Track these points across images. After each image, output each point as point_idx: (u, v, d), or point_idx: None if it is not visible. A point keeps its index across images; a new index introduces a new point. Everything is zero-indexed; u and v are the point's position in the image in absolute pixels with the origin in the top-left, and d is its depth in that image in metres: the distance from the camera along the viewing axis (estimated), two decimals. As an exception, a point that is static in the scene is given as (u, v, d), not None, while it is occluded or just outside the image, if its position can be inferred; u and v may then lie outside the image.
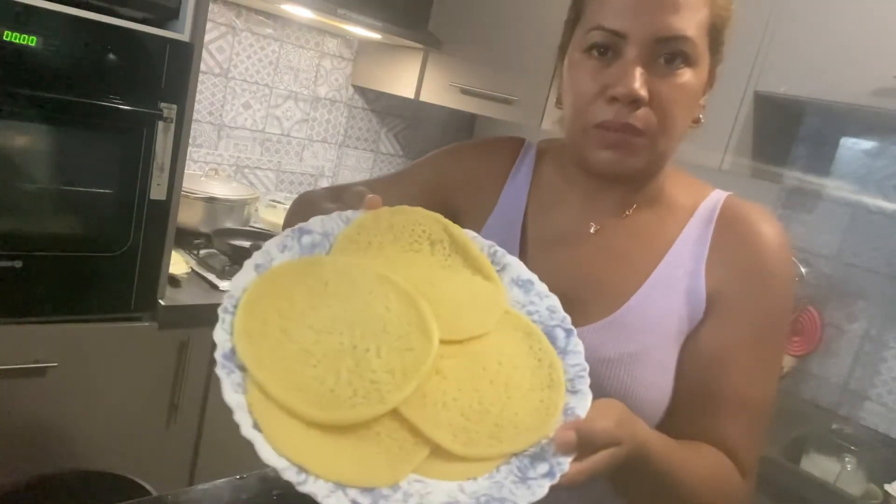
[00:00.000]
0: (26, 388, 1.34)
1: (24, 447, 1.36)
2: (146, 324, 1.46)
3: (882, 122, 1.68)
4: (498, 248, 0.66)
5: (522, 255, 0.78)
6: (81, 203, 1.33)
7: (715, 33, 0.69)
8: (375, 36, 2.00)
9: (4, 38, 1.16)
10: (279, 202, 2.12)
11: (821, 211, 1.82)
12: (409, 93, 2.15)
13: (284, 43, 2.12)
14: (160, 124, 1.36)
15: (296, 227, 0.58)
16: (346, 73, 2.29)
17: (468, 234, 0.65)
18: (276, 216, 2.06)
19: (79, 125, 1.29)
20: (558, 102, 0.76)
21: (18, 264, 1.28)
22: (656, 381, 0.71)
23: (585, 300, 0.73)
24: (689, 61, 0.67)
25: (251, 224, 2.00)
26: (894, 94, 1.37)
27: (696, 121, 0.73)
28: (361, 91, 2.34)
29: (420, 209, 0.64)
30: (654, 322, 0.72)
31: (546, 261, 0.76)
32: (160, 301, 1.47)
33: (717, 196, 0.77)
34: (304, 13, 1.85)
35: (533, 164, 0.84)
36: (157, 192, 1.40)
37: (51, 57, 1.21)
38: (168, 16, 1.37)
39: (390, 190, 0.79)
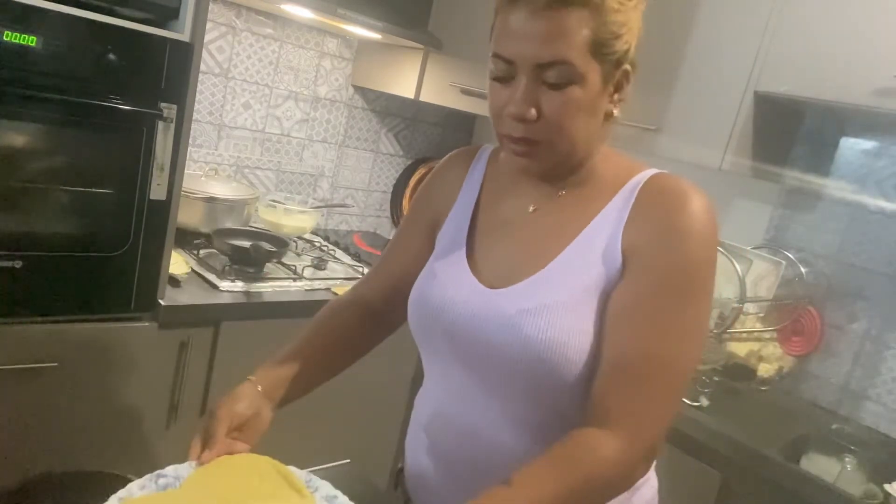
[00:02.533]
0: (26, 388, 1.34)
1: (25, 447, 1.36)
2: (146, 324, 1.46)
3: (882, 122, 1.68)
4: (313, 476, 0.79)
5: (470, 238, 0.90)
6: (81, 203, 1.33)
7: (600, 47, 0.75)
8: (375, 36, 2.00)
9: (4, 38, 1.16)
10: (279, 202, 2.12)
11: (820, 211, 1.82)
12: (409, 93, 2.15)
13: (284, 43, 2.12)
14: (160, 124, 1.36)
15: (154, 472, 0.74)
16: (346, 73, 2.29)
17: (291, 468, 0.79)
18: (275, 216, 2.06)
19: (79, 125, 1.29)
20: None
21: (18, 264, 1.28)
22: (573, 326, 0.77)
23: (516, 266, 0.84)
24: (573, 79, 0.74)
25: (251, 224, 2.00)
26: (894, 94, 1.37)
27: (609, 115, 0.81)
28: (361, 91, 2.34)
29: (254, 455, 0.81)
30: (571, 279, 0.80)
31: (490, 239, 0.89)
32: (160, 301, 1.47)
33: (647, 173, 0.83)
34: (304, 13, 1.85)
35: (486, 163, 0.96)
36: (157, 192, 1.40)
37: (51, 57, 1.21)
38: (168, 16, 1.37)
39: (399, 256, 1.01)
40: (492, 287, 0.84)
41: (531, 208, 0.87)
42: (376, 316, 1.04)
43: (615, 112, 0.81)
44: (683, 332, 0.76)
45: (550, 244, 0.83)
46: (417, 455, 0.95)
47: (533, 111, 0.75)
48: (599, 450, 0.72)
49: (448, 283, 0.88)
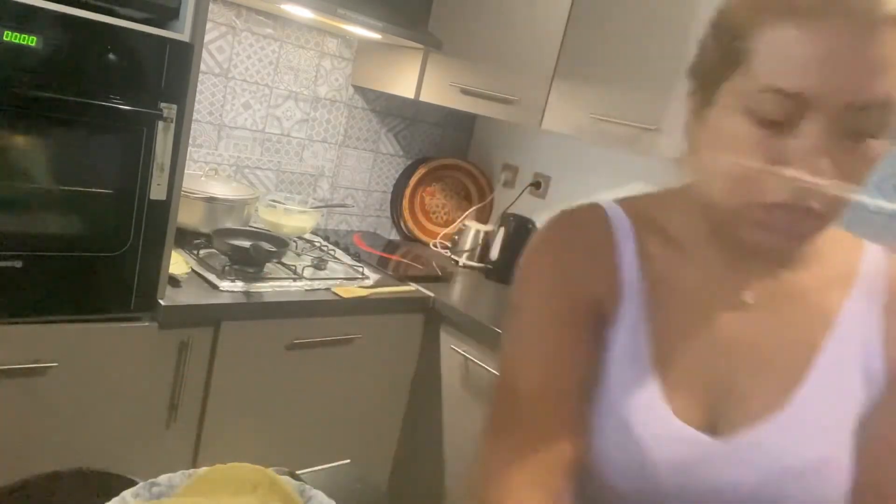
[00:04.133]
0: (26, 388, 1.34)
1: (24, 447, 1.36)
2: (146, 324, 1.46)
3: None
4: (307, 486, 0.76)
5: (658, 351, 0.64)
6: (81, 203, 1.33)
7: None
8: (375, 36, 2.00)
9: (4, 38, 1.16)
10: (279, 202, 2.12)
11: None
12: (409, 93, 2.15)
13: (284, 43, 2.12)
14: (160, 124, 1.36)
15: (148, 481, 0.72)
16: (346, 73, 2.29)
17: (284, 478, 0.77)
18: (275, 216, 2.06)
19: (79, 125, 1.29)
20: (686, 150, 0.64)
21: (18, 264, 1.28)
22: (844, 483, 0.60)
23: (746, 388, 0.63)
24: (884, 129, 0.53)
25: (251, 224, 2.00)
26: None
27: None
28: (361, 91, 2.34)
29: (247, 465, 0.76)
30: (836, 413, 0.61)
31: (691, 350, 0.64)
32: (160, 301, 1.47)
33: (877, 253, 0.68)
34: (304, 13, 1.85)
35: (631, 233, 0.69)
36: (157, 192, 1.40)
37: (51, 57, 1.21)
38: (168, 16, 1.37)
39: (544, 376, 0.65)
40: (714, 431, 0.62)
41: (748, 297, 0.65)
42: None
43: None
44: None
45: (790, 357, 0.63)
46: None
47: (830, 171, 0.53)
48: None
49: (647, 438, 0.62)
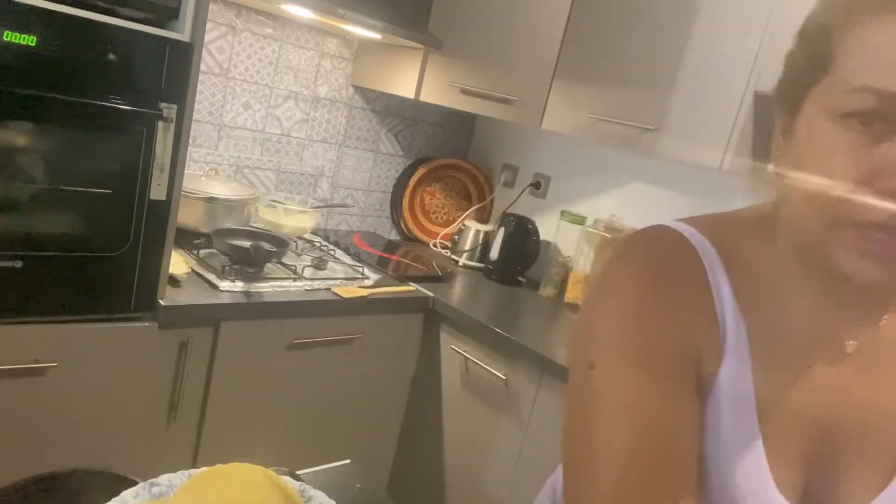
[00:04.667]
0: (26, 388, 1.34)
1: (24, 447, 1.36)
2: (146, 324, 1.46)
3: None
4: (307, 486, 0.77)
5: (760, 405, 0.56)
6: (81, 203, 1.33)
7: None
8: (375, 36, 2.00)
9: (4, 38, 1.16)
10: (279, 202, 2.12)
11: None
12: (409, 93, 2.15)
13: (284, 43, 2.12)
14: (160, 124, 1.36)
15: (148, 481, 0.73)
16: (346, 73, 2.29)
17: (284, 478, 0.77)
18: (275, 216, 2.06)
19: (79, 125, 1.29)
20: (773, 168, 0.57)
21: (18, 264, 1.28)
22: None
23: (852, 453, 0.56)
24: None
25: (251, 224, 2.00)
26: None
27: None
28: (361, 91, 2.34)
29: (247, 465, 0.77)
30: None
31: (791, 406, 0.57)
32: (160, 301, 1.47)
33: None
34: (304, 13, 1.85)
35: (721, 265, 0.59)
36: (157, 192, 1.40)
37: (51, 57, 1.21)
38: (168, 16, 1.37)
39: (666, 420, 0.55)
40: (815, 501, 0.56)
41: (850, 346, 0.57)
42: None
43: None
44: None
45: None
46: None
47: None
48: None
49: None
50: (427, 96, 2.13)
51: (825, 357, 0.57)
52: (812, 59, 0.52)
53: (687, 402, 0.55)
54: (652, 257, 0.60)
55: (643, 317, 0.57)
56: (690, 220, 0.63)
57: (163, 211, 1.42)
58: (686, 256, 0.59)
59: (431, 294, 1.95)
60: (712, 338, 0.57)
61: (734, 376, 0.56)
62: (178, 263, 1.60)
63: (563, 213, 2.26)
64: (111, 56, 1.27)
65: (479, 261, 2.40)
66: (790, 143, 0.55)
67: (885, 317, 0.57)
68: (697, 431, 0.56)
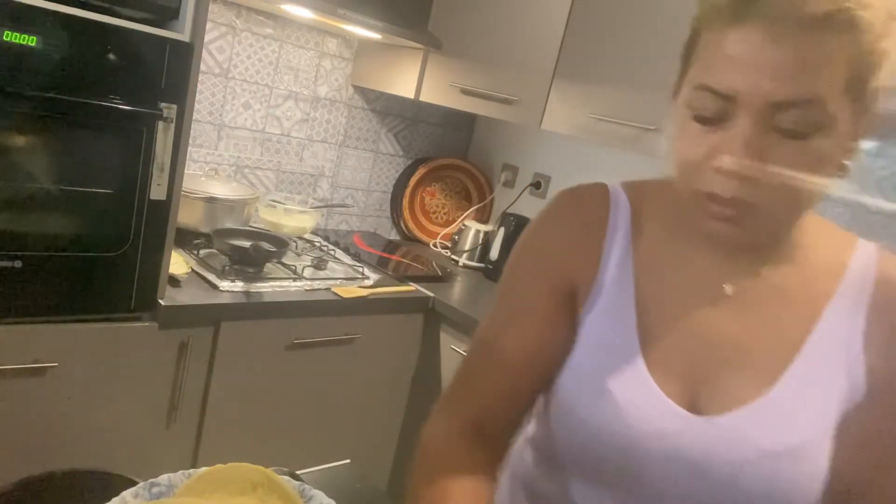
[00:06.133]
0: (26, 388, 1.34)
1: (24, 447, 1.36)
2: (146, 324, 1.46)
3: (882, 122, 1.68)
4: (306, 485, 0.75)
5: (643, 330, 0.68)
6: (81, 203, 1.33)
7: (857, 83, 0.56)
8: (375, 36, 2.00)
9: (4, 38, 1.16)
10: (279, 202, 2.12)
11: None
12: (409, 93, 2.15)
13: (284, 43, 2.12)
14: (160, 124, 1.36)
15: (148, 481, 0.72)
16: (346, 73, 2.29)
17: (284, 478, 0.76)
18: (275, 216, 2.06)
19: (79, 125, 1.29)
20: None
21: (18, 264, 1.28)
22: (821, 472, 0.61)
23: (727, 376, 0.65)
24: (819, 126, 0.55)
25: (251, 224, 2.00)
26: (894, 94, 1.36)
27: (843, 168, 0.61)
28: (361, 91, 2.34)
29: (247, 465, 0.75)
30: (815, 404, 0.62)
31: (670, 330, 0.67)
32: (160, 301, 1.47)
33: (868, 251, 0.68)
34: (304, 13, 1.85)
35: (629, 215, 0.73)
36: (157, 192, 1.40)
37: (51, 57, 1.21)
38: (168, 16, 1.37)
39: (521, 331, 0.72)
40: (696, 409, 0.65)
41: (728, 289, 0.67)
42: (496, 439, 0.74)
43: (848, 166, 0.61)
44: None
45: (771, 348, 0.65)
46: None
47: (757, 166, 0.56)
48: None
49: (632, 407, 0.66)
50: (427, 96, 2.13)
51: (706, 296, 0.67)
52: (686, 52, 0.63)
53: (548, 309, 0.71)
54: (569, 200, 0.76)
55: (539, 245, 0.75)
56: (629, 181, 0.76)
57: (163, 211, 1.42)
58: (596, 205, 0.74)
59: (431, 294, 1.95)
60: (589, 272, 0.71)
61: (611, 302, 0.69)
62: (178, 263, 1.60)
63: (563, 213, 2.26)
64: (111, 56, 1.27)
65: (479, 261, 2.40)
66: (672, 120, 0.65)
67: (765, 269, 0.67)
68: (563, 344, 0.71)
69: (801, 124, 0.55)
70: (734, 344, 0.66)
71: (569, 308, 0.72)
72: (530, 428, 0.82)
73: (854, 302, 0.65)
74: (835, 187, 0.62)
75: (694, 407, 0.65)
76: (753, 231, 0.61)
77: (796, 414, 0.63)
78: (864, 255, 0.67)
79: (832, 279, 0.66)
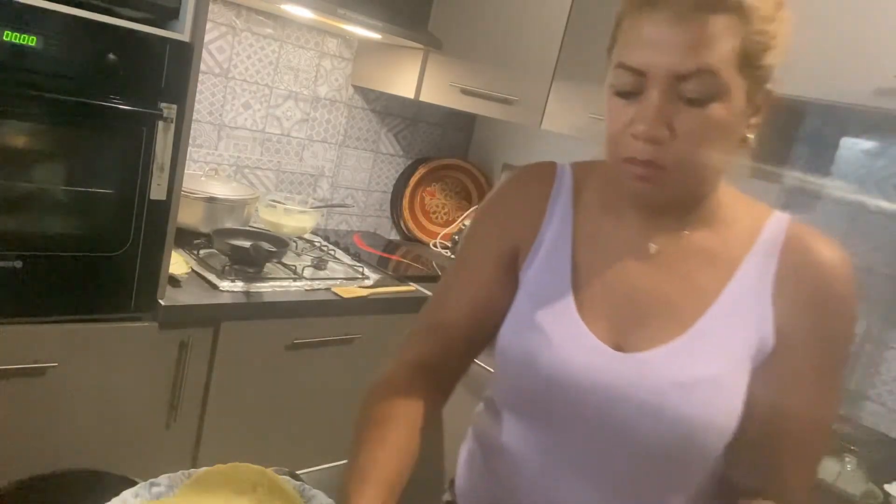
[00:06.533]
0: (26, 388, 1.34)
1: (24, 447, 1.36)
2: (146, 324, 1.46)
3: (882, 122, 1.68)
4: (306, 485, 0.77)
5: (577, 281, 0.77)
6: (81, 203, 1.33)
7: (748, 59, 0.66)
8: (375, 36, 2.00)
9: (4, 38, 1.16)
10: (279, 202, 2.12)
11: (821, 211, 1.82)
12: (409, 93, 2.15)
13: (284, 43, 2.12)
14: (160, 124, 1.36)
15: (148, 481, 0.73)
16: (346, 73, 2.29)
17: (284, 478, 0.78)
18: (275, 216, 2.06)
19: (79, 125, 1.29)
20: None
21: (18, 264, 1.28)
22: (733, 407, 0.70)
23: (649, 322, 0.73)
24: (716, 94, 0.65)
25: (251, 224, 2.00)
26: (894, 94, 1.37)
27: (745, 140, 0.71)
28: (361, 91, 2.34)
29: (247, 465, 0.77)
30: (727, 345, 0.71)
31: (601, 283, 0.76)
32: (160, 301, 1.47)
33: (780, 220, 0.76)
34: (304, 13, 1.85)
35: (571, 187, 0.83)
36: (157, 192, 1.40)
37: (51, 57, 1.21)
38: (168, 16, 1.37)
39: (469, 286, 0.84)
40: (620, 349, 0.73)
41: (652, 248, 0.76)
42: (444, 380, 0.87)
43: (751, 139, 0.72)
44: (838, 401, 0.75)
45: (689, 299, 0.73)
46: (477, 484, 0.92)
47: (666, 130, 0.66)
48: None
49: (561, 341, 0.74)
50: (427, 96, 2.13)
51: (634, 254, 0.77)
52: (612, 41, 0.74)
53: (491, 267, 0.82)
54: (516, 177, 0.87)
55: (489, 214, 0.86)
56: (579, 161, 0.86)
57: (163, 211, 1.42)
58: (543, 178, 0.84)
59: (431, 294, 1.95)
60: (531, 235, 0.81)
61: (551, 260, 0.79)
62: (178, 263, 1.60)
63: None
64: (111, 56, 1.27)
65: (479, 261, 2.40)
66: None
67: (686, 231, 0.75)
68: (497, 287, 0.81)
69: (700, 93, 0.65)
70: (656, 295, 0.74)
71: (512, 269, 0.82)
72: (488, 391, 0.91)
73: (765, 262, 0.73)
74: (743, 157, 0.73)
75: (618, 347, 0.73)
76: (669, 189, 0.70)
77: (710, 350, 0.71)
78: (776, 223, 0.75)
79: (747, 242, 0.74)
